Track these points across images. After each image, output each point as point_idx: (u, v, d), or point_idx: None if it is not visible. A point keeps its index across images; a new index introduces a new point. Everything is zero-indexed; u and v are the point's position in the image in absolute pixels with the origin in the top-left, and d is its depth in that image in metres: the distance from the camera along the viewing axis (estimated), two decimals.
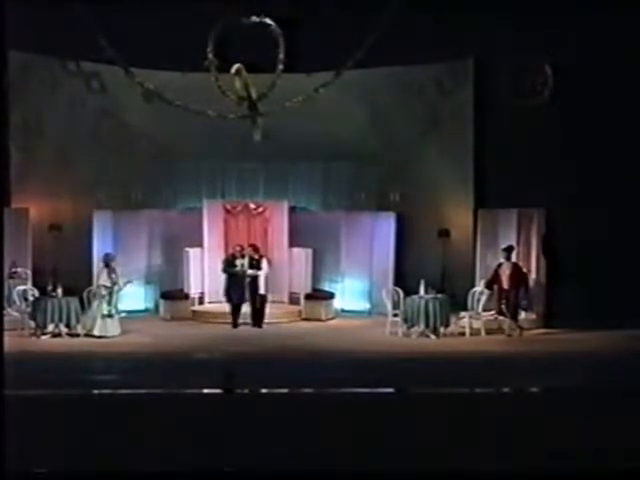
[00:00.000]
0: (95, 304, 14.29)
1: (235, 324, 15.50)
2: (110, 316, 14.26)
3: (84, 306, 14.48)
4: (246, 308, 15.63)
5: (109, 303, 14.27)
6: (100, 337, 14.08)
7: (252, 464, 7.16)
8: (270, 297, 15.88)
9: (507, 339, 14.28)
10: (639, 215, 14.54)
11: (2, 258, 6.40)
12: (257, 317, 15.54)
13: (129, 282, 14.92)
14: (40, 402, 9.33)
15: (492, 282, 14.62)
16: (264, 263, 15.71)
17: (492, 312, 14.64)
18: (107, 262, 14.65)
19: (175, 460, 7.24)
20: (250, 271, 15.54)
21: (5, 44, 6.47)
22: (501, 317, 14.64)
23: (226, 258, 15.93)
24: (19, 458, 6.63)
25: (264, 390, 10.23)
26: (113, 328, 14.30)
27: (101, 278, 14.49)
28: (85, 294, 14.62)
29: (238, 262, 15.62)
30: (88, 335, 14.15)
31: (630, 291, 14.35)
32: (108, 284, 14.36)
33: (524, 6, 14.50)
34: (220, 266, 15.92)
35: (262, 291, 15.58)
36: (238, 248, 15.86)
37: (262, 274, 15.54)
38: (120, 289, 14.52)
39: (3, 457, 6.03)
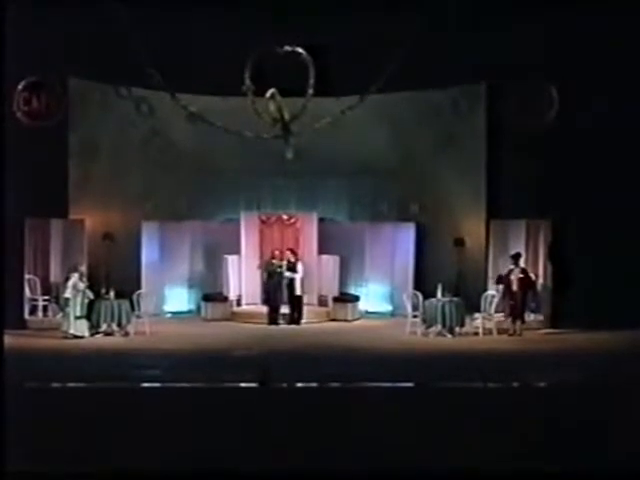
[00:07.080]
0: (69, 308, 14.09)
1: (272, 322, 15.78)
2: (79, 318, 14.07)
3: (134, 308, 14.68)
4: (283, 308, 15.93)
5: (81, 306, 14.13)
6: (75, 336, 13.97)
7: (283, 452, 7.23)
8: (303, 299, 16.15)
9: (517, 338, 14.35)
10: (636, 227, 14.54)
11: (3, 260, 6.29)
12: (295, 316, 15.85)
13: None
14: (92, 394, 9.68)
15: (507, 286, 14.78)
16: (299, 266, 16.00)
17: (502, 313, 14.75)
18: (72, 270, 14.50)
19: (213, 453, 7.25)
20: (287, 273, 15.84)
21: (5, 45, 6.48)
22: (506, 318, 14.71)
23: (266, 260, 16.23)
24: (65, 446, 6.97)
25: (296, 384, 10.33)
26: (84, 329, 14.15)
27: (69, 285, 14.24)
28: (135, 297, 14.89)
29: (277, 264, 15.92)
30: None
31: (628, 295, 14.32)
32: (70, 293, 14.12)
33: (529, 37, 14.81)
34: (259, 270, 16.32)
35: (298, 292, 15.89)
36: (277, 252, 16.14)
37: (298, 277, 15.86)
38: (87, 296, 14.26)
39: (4, 457, 5.89)
